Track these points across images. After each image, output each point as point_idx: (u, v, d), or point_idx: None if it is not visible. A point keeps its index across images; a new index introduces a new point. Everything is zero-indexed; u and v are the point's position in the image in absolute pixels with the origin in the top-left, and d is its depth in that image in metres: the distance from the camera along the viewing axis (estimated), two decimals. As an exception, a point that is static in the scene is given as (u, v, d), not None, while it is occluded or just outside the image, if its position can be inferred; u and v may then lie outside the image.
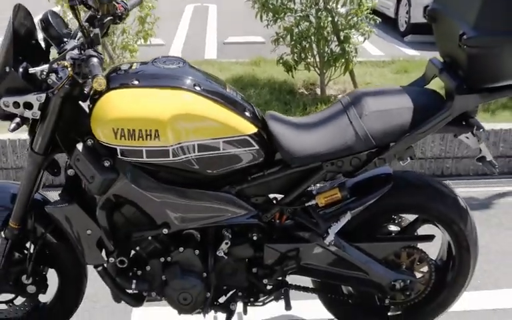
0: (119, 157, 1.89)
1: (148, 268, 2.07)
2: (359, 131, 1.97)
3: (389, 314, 2.38)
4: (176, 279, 2.05)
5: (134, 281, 2.07)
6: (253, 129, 1.97)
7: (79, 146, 1.91)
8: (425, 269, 2.25)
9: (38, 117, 1.89)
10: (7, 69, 1.84)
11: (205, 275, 2.09)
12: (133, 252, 2.10)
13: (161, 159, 1.89)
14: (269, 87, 5.37)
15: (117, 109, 1.86)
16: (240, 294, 2.20)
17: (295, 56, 5.07)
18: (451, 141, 4.09)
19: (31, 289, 2.21)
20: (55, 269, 2.26)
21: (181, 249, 2.05)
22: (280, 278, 2.18)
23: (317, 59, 5.15)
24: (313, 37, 4.85)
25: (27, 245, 2.18)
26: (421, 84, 2.17)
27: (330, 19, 4.80)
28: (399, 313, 2.39)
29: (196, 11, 10.24)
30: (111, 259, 2.04)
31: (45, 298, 2.34)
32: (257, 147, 1.96)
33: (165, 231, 2.01)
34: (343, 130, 2.00)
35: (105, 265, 2.07)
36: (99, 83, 1.61)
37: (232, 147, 1.94)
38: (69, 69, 1.76)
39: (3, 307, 2.29)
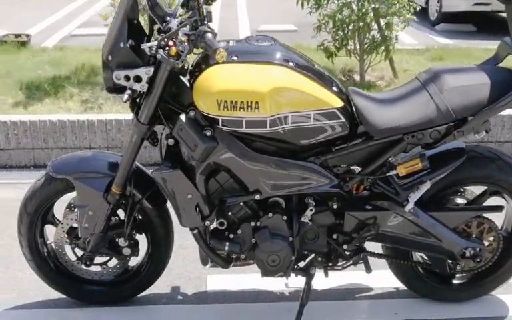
0: (220, 126, 2.05)
1: (239, 231, 2.23)
2: (439, 105, 2.11)
3: (454, 282, 2.54)
4: (266, 242, 2.22)
5: (227, 244, 2.23)
6: (340, 103, 2.11)
7: (182, 117, 2.07)
8: (493, 238, 2.40)
9: (145, 90, 2.06)
10: (121, 45, 2.01)
11: (290, 239, 2.25)
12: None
13: (258, 129, 2.05)
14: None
15: (220, 82, 2.02)
16: (320, 259, 2.36)
17: (336, 43, 5.20)
18: None
19: (126, 251, 2.40)
20: (146, 233, 2.44)
21: (270, 214, 2.21)
22: (358, 244, 2.33)
23: (357, 46, 5.28)
24: (355, 24, 4.97)
25: (122, 210, 2.36)
26: (493, 63, 2.30)
27: (372, 5, 4.92)
28: (463, 281, 2.54)
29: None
30: (207, 223, 2.21)
31: (132, 262, 2.53)
32: (343, 119, 2.11)
33: (257, 197, 2.17)
34: (424, 104, 2.14)
35: (200, 228, 2.23)
36: (221, 55, 1.77)
37: (321, 119, 2.08)
38: (186, 43, 1.92)
39: (97, 268, 2.47)
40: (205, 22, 1.94)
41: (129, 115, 4.30)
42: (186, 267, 2.85)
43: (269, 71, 2.05)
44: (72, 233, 2.41)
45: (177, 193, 2.15)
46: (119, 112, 4.51)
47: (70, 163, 2.31)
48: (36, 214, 2.36)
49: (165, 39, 1.97)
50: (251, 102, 2.00)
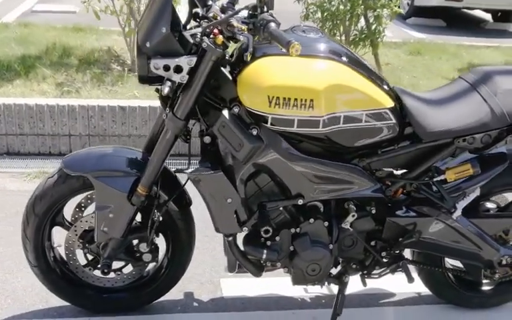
0: (268, 125, 1.87)
1: (278, 238, 2.06)
2: (494, 108, 2.01)
3: (483, 288, 2.47)
4: (307, 250, 2.05)
5: (264, 251, 2.05)
6: (391, 103, 1.97)
7: (225, 113, 1.87)
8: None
9: (185, 81, 1.85)
10: (163, 30, 1.79)
11: (330, 246, 2.10)
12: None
13: (309, 129, 1.88)
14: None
15: (272, 77, 1.83)
16: (354, 266, 2.22)
17: (324, 33, 5.07)
18: None
19: (147, 257, 2.18)
20: (167, 237, 2.23)
21: (311, 220, 2.05)
22: (397, 251, 2.21)
23: (343, 38, 5.17)
24: (345, 14, 4.85)
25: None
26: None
27: (363, -3, 4.82)
28: (491, 287, 2.47)
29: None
30: (244, 229, 2.02)
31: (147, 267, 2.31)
32: (393, 120, 1.97)
33: (300, 201, 2.01)
34: (476, 107, 2.04)
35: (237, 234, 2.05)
36: (296, 48, 1.57)
37: (373, 120, 1.94)
38: (246, 32, 1.71)
39: (111, 275, 2.24)
40: (265, 9, 1.74)
41: (112, 101, 4.04)
42: (195, 270, 2.65)
43: (323, 66, 1.88)
44: (85, 236, 2.16)
45: (216, 196, 1.96)
46: (99, 97, 4.23)
47: (88, 159, 2.06)
48: (46, 215, 2.10)
49: (212, 26, 1.77)
50: (306, 100, 1.83)
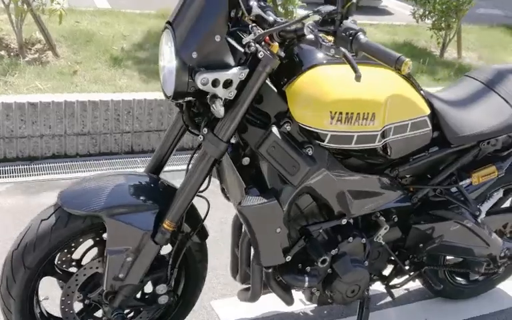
0: (325, 143, 1.65)
1: (318, 263, 1.86)
2: None
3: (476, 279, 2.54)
4: (348, 272, 1.89)
5: (306, 278, 1.85)
6: (428, 109, 1.87)
7: (275, 131, 1.62)
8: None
9: (233, 97, 1.55)
10: (218, 38, 1.47)
11: (366, 263, 1.96)
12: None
13: (367, 145, 1.71)
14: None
15: (334, 90, 1.61)
16: (375, 277, 2.12)
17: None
18: None
19: (163, 299, 1.84)
20: (181, 271, 1.92)
21: (350, 239, 1.89)
22: (421, 258, 2.14)
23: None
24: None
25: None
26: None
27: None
28: (482, 277, 2.54)
29: None
30: (288, 257, 1.79)
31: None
32: (430, 127, 1.88)
33: (344, 221, 1.84)
34: (498, 108, 2.02)
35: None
36: (409, 65, 1.36)
37: (415, 129, 1.83)
38: (332, 42, 1.46)
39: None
40: (348, 16, 1.50)
41: (20, 97, 3.43)
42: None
43: (378, 76, 1.71)
44: (87, 286, 1.77)
45: (267, 227, 1.70)
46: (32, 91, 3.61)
47: (95, 193, 1.66)
48: (39, 266, 1.67)
49: (276, 33, 1.51)
50: (368, 113, 1.65)
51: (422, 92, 1.88)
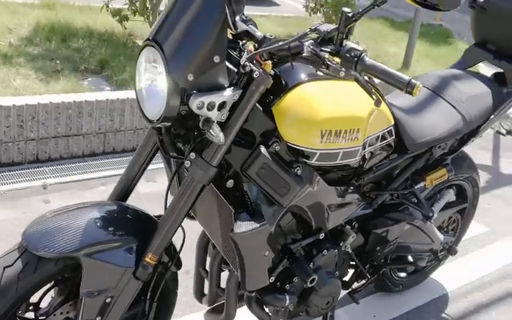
0: (312, 161, 1.61)
1: (295, 279, 1.83)
2: (465, 115, 2.13)
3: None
4: (325, 285, 1.87)
5: (287, 297, 1.80)
6: (392, 119, 1.91)
7: (264, 152, 1.55)
8: (454, 227, 2.60)
9: (224, 119, 1.45)
10: (216, 59, 1.36)
11: (337, 273, 1.97)
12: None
13: (349, 160, 1.70)
14: (91, 37, 4.70)
15: (323, 107, 1.57)
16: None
17: (133, 6, 4.60)
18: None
19: None
20: (153, 301, 1.77)
21: (325, 251, 1.88)
22: (380, 261, 2.20)
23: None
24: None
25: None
26: (462, 67, 2.42)
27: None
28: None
29: None
30: (271, 279, 1.73)
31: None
32: (394, 136, 1.92)
33: (322, 235, 1.82)
34: (448, 114, 2.12)
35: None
36: (420, 88, 1.34)
37: (384, 139, 1.85)
38: (334, 61, 1.39)
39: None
40: (348, 36, 1.45)
41: None
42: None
43: (351, 88, 1.68)
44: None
45: (256, 251, 1.62)
46: None
47: (67, 230, 1.46)
48: (4, 318, 1.44)
49: (266, 53, 1.42)
50: (353, 129, 1.64)
51: (386, 101, 1.91)
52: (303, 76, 1.58)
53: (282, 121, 1.55)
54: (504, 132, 2.39)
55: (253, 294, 1.75)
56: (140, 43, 4.97)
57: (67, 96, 3.53)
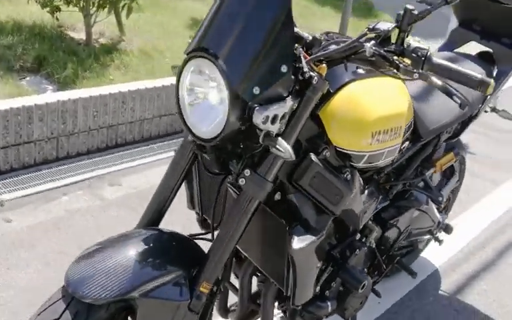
0: (360, 164, 1.54)
1: (333, 284, 1.76)
2: (468, 97, 2.13)
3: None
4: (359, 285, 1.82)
5: (329, 303, 1.73)
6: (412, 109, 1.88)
7: (315, 159, 1.45)
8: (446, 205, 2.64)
9: (282, 131, 1.34)
10: (284, 69, 1.24)
11: (366, 271, 1.93)
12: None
13: (390, 158, 1.65)
14: (20, 31, 4.31)
15: (372, 108, 1.51)
16: None
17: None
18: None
19: None
20: None
21: (357, 251, 1.82)
22: (395, 252, 2.18)
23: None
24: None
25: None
26: (449, 48, 2.43)
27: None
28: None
29: None
30: (317, 289, 1.66)
31: None
32: (413, 126, 1.90)
33: (358, 236, 1.76)
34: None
35: None
36: (493, 85, 1.29)
37: (409, 130, 1.82)
38: (403, 64, 1.31)
39: None
40: (409, 34, 1.36)
41: None
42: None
43: (392, 86, 1.64)
44: None
45: (311, 264, 1.53)
46: None
47: (114, 270, 1.29)
48: None
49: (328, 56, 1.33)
50: (398, 127, 1.59)
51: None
52: (348, 76, 1.49)
53: (331, 125, 1.46)
54: (488, 110, 2.44)
55: (299, 307, 1.67)
56: (73, 35, 4.63)
57: (16, 101, 3.20)
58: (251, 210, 1.40)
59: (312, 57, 1.33)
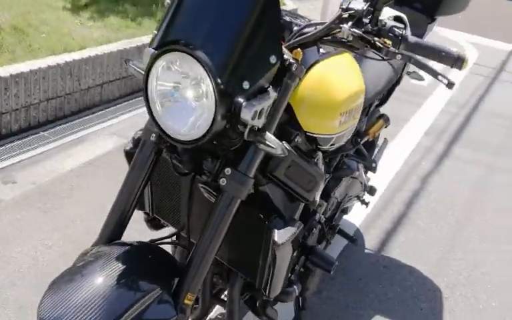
0: (327, 147, 1.50)
1: (296, 267, 1.72)
2: (393, 64, 2.18)
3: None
4: (319, 261, 1.80)
5: (295, 287, 1.67)
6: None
7: (290, 148, 1.38)
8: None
9: (261, 125, 1.25)
10: (273, 60, 1.13)
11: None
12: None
13: (348, 138, 1.62)
14: None
15: (340, 88, 1.46)
16: None
17: None
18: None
19: None
20: None
21: (314, 230, 1.79)
22: (334, 221, 2.20)
23: None
24: None
25: None
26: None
27: None
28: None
29: None
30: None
31: None
32: None
33: (317, 216, 1.74)
34: (382, 65, 2.15)
35: None
36: (468, 61, 1.27)
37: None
38: (387, 43, 1.25)
39: None
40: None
41: None
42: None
43: (348, 63, 1.60)
44: None
45: (289, 255, 1.46)
46: None
47: (94, 301, 1.13)
48: None
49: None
50: (359, 104, 1.56)
51: None
52: (312, 57, 1.43)
53: (301, 110, 1.39)
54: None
55: (272, 298, 1.61)
56: None
57: None
58: (233, 211, 1.29)
59: (290, 42, 1.24)
